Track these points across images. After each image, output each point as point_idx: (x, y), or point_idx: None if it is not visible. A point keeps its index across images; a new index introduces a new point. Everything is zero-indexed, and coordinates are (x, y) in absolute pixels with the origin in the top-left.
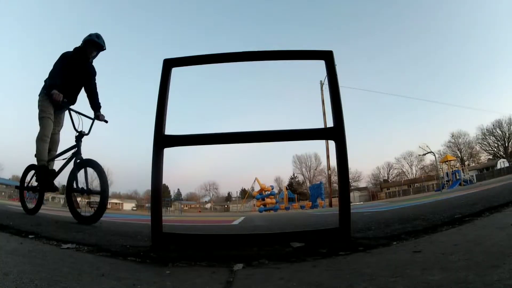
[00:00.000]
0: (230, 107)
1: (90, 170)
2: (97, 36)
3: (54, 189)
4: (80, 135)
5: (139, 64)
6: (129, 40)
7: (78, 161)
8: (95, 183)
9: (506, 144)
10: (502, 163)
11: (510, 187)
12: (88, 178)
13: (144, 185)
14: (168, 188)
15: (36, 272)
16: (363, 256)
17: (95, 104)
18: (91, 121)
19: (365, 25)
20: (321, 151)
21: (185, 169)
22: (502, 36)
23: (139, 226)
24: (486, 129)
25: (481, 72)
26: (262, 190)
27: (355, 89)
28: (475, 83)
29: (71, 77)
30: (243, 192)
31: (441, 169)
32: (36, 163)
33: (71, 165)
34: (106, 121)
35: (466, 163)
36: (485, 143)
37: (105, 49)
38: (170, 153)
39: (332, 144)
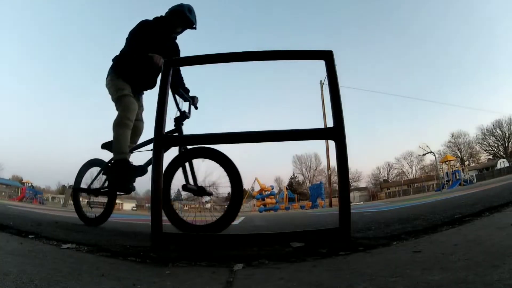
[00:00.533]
0: (230, 107)
1: (198, 163)
2: (189, 9)
3: (130, 190)
4: (182, 117)
5: None
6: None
7: (183, 150)
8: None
9: (506, 144)
10: (502, 163)
11: (510, 187)
12: (195, 174)
13: (144, 185)
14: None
15: (36, 272)
16: (363, 256)
17: (184, 87)
18: (188, 102)
19: (365, 25)
20: (321, 151)
21: None
22: (502, 36)
23: (139, 226)
24: (486, 129)
25: (481, 72)
26: (262, 190)
27: (355, 89)
28: (475, 83)
29: (153, 51)
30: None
31: (441, 169)
32: (101, 157)
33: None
34: (196, 108)
35: (466, 163)
36: (485, 143)
37: (195, 28)
38: (170, 153)
39: (332, 144)
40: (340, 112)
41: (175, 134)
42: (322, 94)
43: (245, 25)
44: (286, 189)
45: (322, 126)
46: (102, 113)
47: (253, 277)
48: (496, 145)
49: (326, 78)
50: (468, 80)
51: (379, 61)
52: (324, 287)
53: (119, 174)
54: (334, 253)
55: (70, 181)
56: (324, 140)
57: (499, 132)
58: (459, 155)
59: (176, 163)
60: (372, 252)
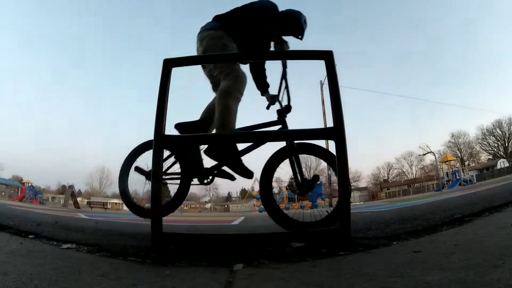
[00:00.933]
0: None
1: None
2: (305, 21)
3: (251, 174)
4: (286, 109)
5: (139, 64)
6: (129, 40)
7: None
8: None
9: (506, 144)
10: (502, 163)
11: (510, 187)
12: (302, 168)
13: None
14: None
15: (36, 272)
16: (363, 256)
17: (265, 83)
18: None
19: (366, 25)
20: None
21: None
22: (502, 36)
23: (139, 226)
24: (486, 129)
25: (481, 72)
26: None
27: (355, 89)
28: (475, 83)
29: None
30: (243, 192)
31: (441, 169)
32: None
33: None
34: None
35: (466, 163)
36: (485, 143)
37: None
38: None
39: (332, 144)
40: (340, 112)
41: (279, 126)
42: (322, 94)
43: None
44: (286, 189)
45: (322, 126)
46: (102, 113)
47: (253, 277)
48: (496, 145)
49: (326, 78)
50: (468, 80)
51: (379, 61)
52: (324, 287)
53: (224, 153)
54: (334, 253)
55: (70, 181)
56: (324, 140)
57: (499, 132)
58: (459, 155)
59: (279, 157)
60: (372, 252)
